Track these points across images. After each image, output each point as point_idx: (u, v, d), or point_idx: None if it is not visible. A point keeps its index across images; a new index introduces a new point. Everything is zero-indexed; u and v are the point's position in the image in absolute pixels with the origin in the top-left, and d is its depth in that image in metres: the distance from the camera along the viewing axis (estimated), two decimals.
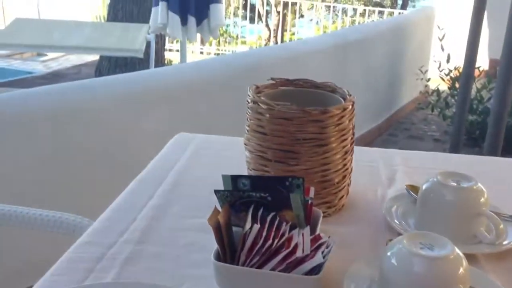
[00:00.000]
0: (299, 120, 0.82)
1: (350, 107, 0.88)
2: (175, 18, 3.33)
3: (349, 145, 0.89)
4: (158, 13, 3.34)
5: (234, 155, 1.03)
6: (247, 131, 0.89)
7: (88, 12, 10.07)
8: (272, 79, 0.96)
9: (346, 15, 8.90)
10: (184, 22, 3.40)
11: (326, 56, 3.26)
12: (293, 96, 0.93)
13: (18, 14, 9.35)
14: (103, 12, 9.97)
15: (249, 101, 0.89)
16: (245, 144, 0.91)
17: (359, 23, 8.68)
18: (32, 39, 3.18)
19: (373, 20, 8.47)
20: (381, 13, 8.55)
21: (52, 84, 5.95)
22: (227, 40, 8.82)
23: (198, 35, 3.62)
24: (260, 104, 0.85)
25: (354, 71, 3.66)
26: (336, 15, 9.08)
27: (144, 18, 5.24)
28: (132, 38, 3.36)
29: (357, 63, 3.69)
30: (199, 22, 3.46)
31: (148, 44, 3.52)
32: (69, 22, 3.86)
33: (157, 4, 3.37)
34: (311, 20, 10.35)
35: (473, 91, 3.50)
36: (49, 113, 1.87)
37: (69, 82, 2.24)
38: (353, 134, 0.91)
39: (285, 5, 9.71)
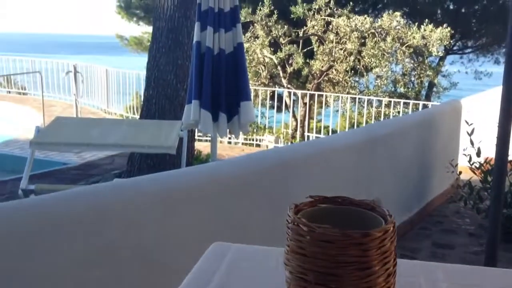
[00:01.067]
0: (340, 243, 0.82)
1: (392, 228, 0.88)
2: (207, 115, 3.46)
3: (391, 267, 0.88)
4: (191, 110, 3.48)
5: (272, 268, 1.02)
6: (287, 251, 0.89)
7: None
8: (310, 196, 0.97)
9: (372, 106, 9.07)
10: (215, 118, 3.52)
11: (355, 151, 3.30)
12: (332, 214, 0.94)
13: (57, 107, 9.80)
14: (134, 103, 10.43)
15: (289, 221, 0.90)
16: (285, 264, 0.90)
17: (384, 113, 8.82)
18: (72, 138, 3.33)
19: (398, 111, 8.60)
20: (406, 104, 8.70)
21: (85, 174, 6.07)
22: (254, 130, 9.03)
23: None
24: (301, 226, 0.86)
25: (383, 164, 3.67)
26: (362, 106, 9.27)
27: (175, 112, 5.46)
28: (166, 135, 3.48)
29: (386, 156, 3.71)
30: (229, 119, 3.58)
31: (180, 140, 3.63)
32: (106, 120, 4.05)
33: (190, 102, 3.51)
34: (337, 111, 10.58)
35: (507, 184, 3.44)
36: (82, 215, 1.91)
37: (101, 184, 2.30)
38: (395, 255, 0.90)
39: (311, 96, 10.00)
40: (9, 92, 12.74)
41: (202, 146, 7.50)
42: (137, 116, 9.95)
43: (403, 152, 4.03)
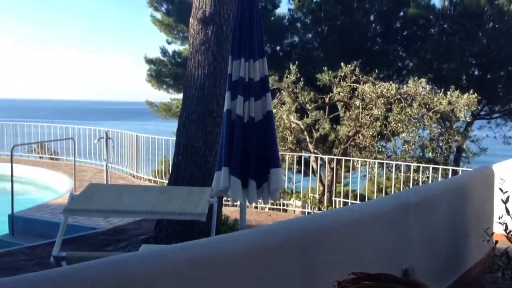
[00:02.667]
0: None
1: None
2: (237, 182, 3.48)
3: None
4: (221, 177, 3.51)
5: None
6: None
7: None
8: (353, 273, 0.96)
9: (400, 171, 8.99)
10: (245, 185, 3.54)
11: (387, 218, 3.24)
12: None
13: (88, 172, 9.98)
14: (162, 167, 10.58)
15: None
16: None
17: (413, 178, 8.70)
18: (104, 205, 3.39)
19: (427, 177, 8.48)
20: (435, 169, 8.59)
21: (113, 239, 6.07)
22: (281, 195, 8.99)
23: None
24: None
25: (415, 232, 3.58)
26: (390, 170, 9.19)
27: (203, 178, 5.50)
28: (196, 202, 3.50)
29: (418, 224, 3.62)
30: (259, 185, 3.59)
31: (210, 207, 3.64)
32: (137, 187, 4.10)
33: (220, 169, 3.56)
34: (364, 176, 10.50)
35: None
36: (112, 284, 1.89)
37: (132, 254, 2.29)
38: None
39: (338, 161, 9.98)
40: (41, 157, 13.12)
41: (229, 211, 7.48)
42: (164, 181, 10.06)
43: (436, 219, 3.93)
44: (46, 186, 10.45)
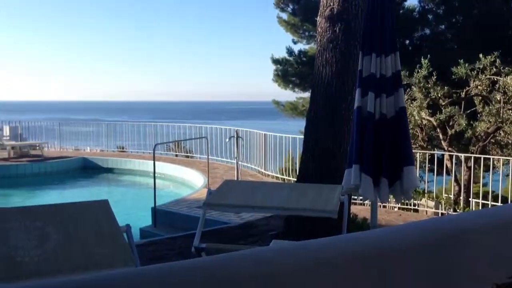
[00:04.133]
0: None
1: None
2: (368, 180, 3.42)
3: None
4: (351, 174, 3.48)
5: None
6: None
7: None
8: (496, 285, 0.90)
9: None
10: (376, 183, 3.46)
11: None
12: None
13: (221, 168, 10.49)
14: (289, 165, 10.74)
15: None
16: None
17: None
18: (239, 200, 3.55)
19: None
20: None
21: (244, 233, 6.32)
22: (412, 194, 8.59)
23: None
24: None
25: None
26: None
27: (331, 176, 5.48)
28: (327, 199, 3.51)
29: None
30: (391, 184, 3.48)
31: (340, 205, 3.62)
32: (269, 184, 4.23)
33: (350, 166, 3.52)
34: (507, 175, 9.64)
35: None
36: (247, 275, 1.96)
37: (266, 247, 2.36)
38: None
39: (476, 159, 9.29)
40: (177, 155, 14.10)
41: (357, 209, 7.37)
42: (290, 178, 10.23)
43: None
44: (183, 182, 11.21)
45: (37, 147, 13.91)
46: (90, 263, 2.44)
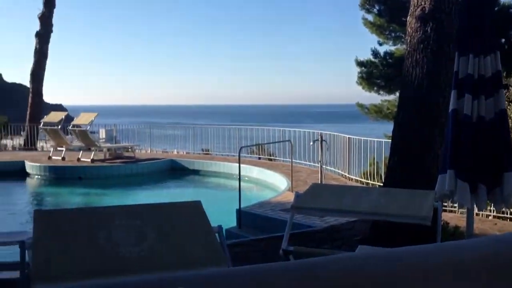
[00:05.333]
0: None
1: None
2: (464, 186, 3.25)
3: None
4: (446, 180, 3.32)
5: None
6: None
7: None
8: None
9: None
10: (473, 189, 3.28)
11: None
12: None
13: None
14: (372, 169, 10.48)
15: None
16: None
17: None
18: (327, 204, 3.52)
19: None
20: None
21: (328, 237, 6.23)
22: None
23: None
24: None
25: None
26: None
27: (421, 181, 5.28)
28: (419, 205, 3.39)
29: None
30: (490, 190, 3.29)
31: (434, 211, 3.47)
32: (357, 188, 4.15)
33: (444, 171, 3.36)
34: None
35: None
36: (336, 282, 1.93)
37: (359, 253, 2.32)
38: None
39: None
40: (260, 158, 14.26)
41: (447, 217, 7.03)
42: (373, 182, 9.98)
43: None
44: (266, 185, 11.32)
45: (130, 149, 14.68)
46: (184, 262, 2.53)
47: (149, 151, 15.96)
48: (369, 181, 10.33)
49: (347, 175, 10.90)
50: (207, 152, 15.40)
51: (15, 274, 4.09)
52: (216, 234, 2.69)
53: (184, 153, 15.57)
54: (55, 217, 2.75)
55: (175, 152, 15.77)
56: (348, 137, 10.90)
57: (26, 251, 2.58)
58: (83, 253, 2.48)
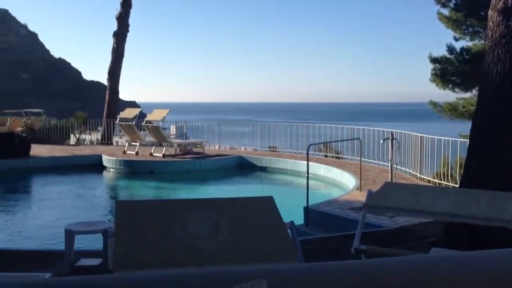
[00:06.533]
0: None
1: None
2: None
3: None
4: None
5: None
6: None
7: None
8: None
9: None
10: None
11: None
12: None
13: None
14: (445, 169, 10.07)
15: None
16: None
17: None
18: (401, 203, 3.44)
19: None
20: None
21: (399, 238, 6.08)
22: None
23: None
24: None
25: None
26: None
27: (501, 183, 5.01)
28: (502, 207, 3.22)
29: None
30: None
31: None
32: (433, 188, 4.02)
33: None
34: None
35: None
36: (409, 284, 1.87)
37: (433, 255, 2.24)
38: None
39: None
40: (326, 156, 14.13)
41: None
42: (445, 183, 9.60)
43: None
44: (334, 183, 11.21)
45: (199, 145, 15.04)
46: (257, 256, 2.56)
47: (217, 147, 16.27)
48: (442, 182, 9.96)
49: (419, 175, 10.57)
50: (273, 149, 15.47)
51: (95, 262, 4.33)
52: (288, 230, 2.70)
53: (251, 150, 15.72)
54: (135, 208, 2.88)
55: (242, 149, 15.97)
56: (420, 136, 10.56)
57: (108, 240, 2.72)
58: (161, 243, 2.57)
